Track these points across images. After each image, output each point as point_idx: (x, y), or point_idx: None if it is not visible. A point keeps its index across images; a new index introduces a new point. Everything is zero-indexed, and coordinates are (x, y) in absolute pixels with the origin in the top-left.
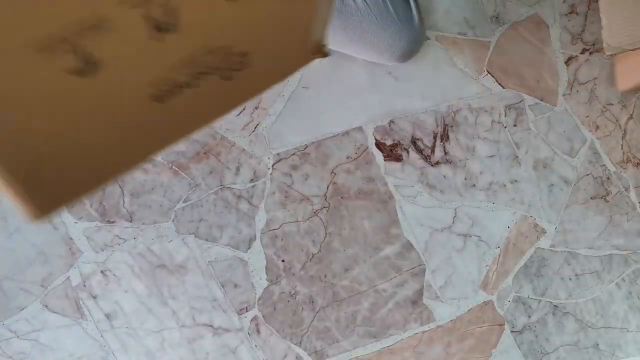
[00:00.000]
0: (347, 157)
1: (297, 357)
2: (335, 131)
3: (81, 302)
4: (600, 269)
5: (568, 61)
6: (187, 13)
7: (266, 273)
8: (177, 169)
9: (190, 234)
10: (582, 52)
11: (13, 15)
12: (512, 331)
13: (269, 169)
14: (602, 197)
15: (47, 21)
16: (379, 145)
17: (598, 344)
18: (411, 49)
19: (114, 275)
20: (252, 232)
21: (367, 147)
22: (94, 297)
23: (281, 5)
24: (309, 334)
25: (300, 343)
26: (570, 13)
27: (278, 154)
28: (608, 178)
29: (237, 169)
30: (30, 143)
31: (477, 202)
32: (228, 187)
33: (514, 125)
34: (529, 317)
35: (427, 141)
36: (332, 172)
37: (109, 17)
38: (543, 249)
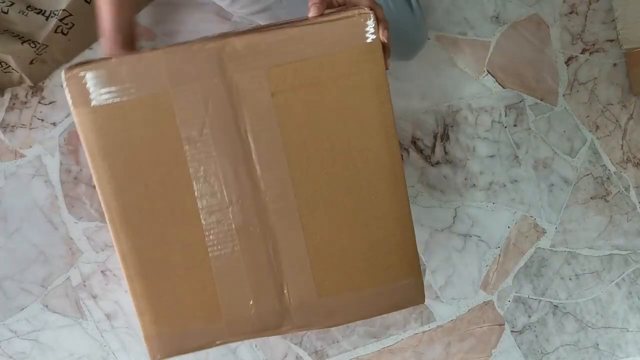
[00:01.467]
0: None
1: (297, 357)
2: None
3: (81, 302)
4: (600, 269)
5: (568, 61)
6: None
7: None
8: None
9: None
10: (582, 52)
11: None
12: (512, 331)
13: None
14: (602, 197)
15: None
16: None
17: (598, 344)
18: (412, 49)
19: (114, 275)
20: None
21: None
22: (94, 297)
23: None
24: (309, 334)
25: (300, 343)
26: (570, 13)
27: None
28: (608, 178)
29: None
30: None
31: (477, 202)
32: None
33: (514, 125)
34: (529, 317)
35: (427, 141)
36: None
37: None
38: (543, 249)
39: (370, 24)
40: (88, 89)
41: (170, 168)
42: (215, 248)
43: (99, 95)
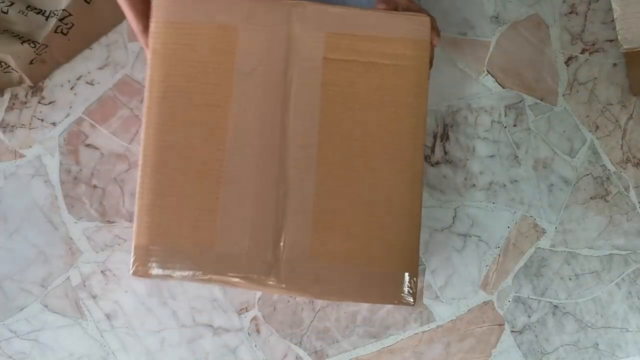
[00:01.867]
0: None
1: (297, 357)
2: None
3: (81, 302)
4: (600, 269)
5: (568, 61)
6: None
7: None
8: None
9: None
10: (582, 52)
11: None
12: (512, 331)
13: None
14: (602, 197)
15: None
16: None
17: (598, 344)
18: None
19: (114, 275)
20: None
21: None
22: (94, 297)
23: None
24: (309, 334)
25: (300, 343)
26: (570, 13)
27: None
28: (608, 178)
29: None
30: None
31: (477, 202)
32: None
33: (514, 125)
34: (529, 317)
35: (427, 141)
36: None
37: None
38: (543, 249)
39: (426, 27)
40: (171, 7)
41: (215, 92)
42: (231, 177)
43: (179, 14)
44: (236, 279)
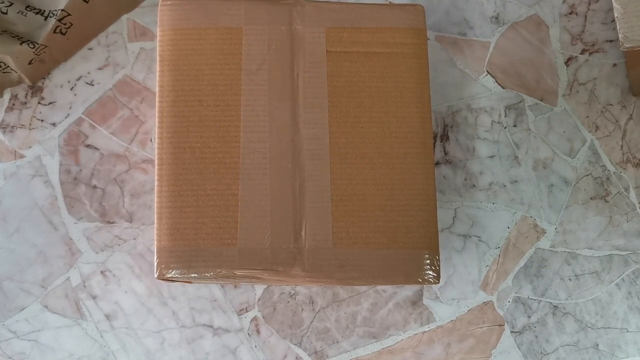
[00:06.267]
0: None
1: (297, 358)
2: None
3: (81, 303)
4: (600, 269)
5: (568, 61)
6: None
7: None
8: None
9: None
10: (582, 52)
11: None
12: (512, 331)
13: None
14: (602, 198)
15: None
16: None
17: (598, 344)
18: None
19: (113, 275)
20: None
21: None
22: (94, 298)
23: None
24: (309, 334)
25: (300, 343)
26: (570, 13)
27: None
28: (608, 178)
29: None
30: None
31: (477, 202)
32: None
33: (514, 126)
34: (529, 317)
35: None
36: None
37: None
38: (543, 249)
39: (421, 15)
40: (176, 14)
41: (225, 92)
42: (247, 173)
43: (184, 20)
44: (261, 272)
